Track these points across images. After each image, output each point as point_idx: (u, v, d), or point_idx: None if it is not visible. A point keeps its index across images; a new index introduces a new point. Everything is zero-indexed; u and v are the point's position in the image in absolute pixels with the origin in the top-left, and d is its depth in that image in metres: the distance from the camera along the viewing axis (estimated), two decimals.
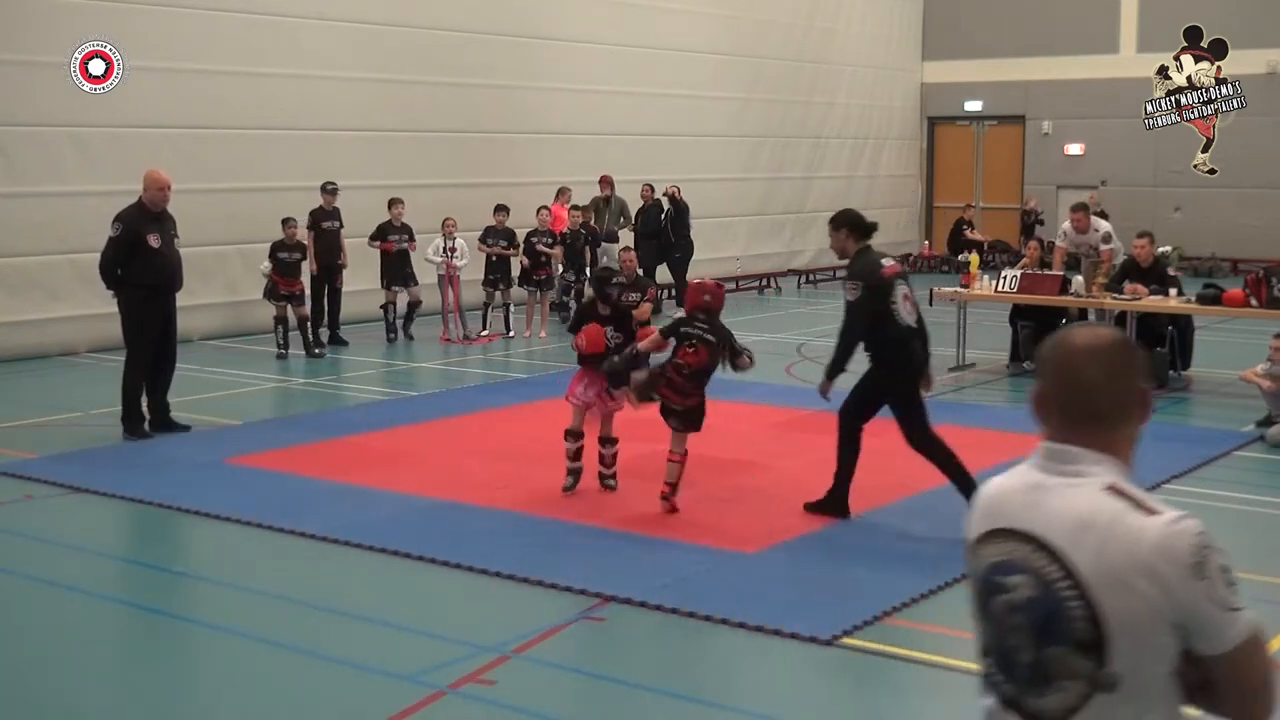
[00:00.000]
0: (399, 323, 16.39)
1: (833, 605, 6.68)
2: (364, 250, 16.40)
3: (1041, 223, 24.79)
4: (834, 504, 8.29)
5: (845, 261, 8.26)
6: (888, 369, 7.99)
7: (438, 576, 7.31)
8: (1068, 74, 27.44)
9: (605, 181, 19.28)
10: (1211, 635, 2.43)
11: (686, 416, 8.20)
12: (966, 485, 7.77)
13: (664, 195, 19.57)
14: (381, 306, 16.46)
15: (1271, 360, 10.97)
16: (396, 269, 16.30)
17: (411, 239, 16.42)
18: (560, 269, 17.28)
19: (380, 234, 16.31)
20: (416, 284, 16.45)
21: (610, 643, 6.43)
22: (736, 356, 8.17)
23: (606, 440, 8.86)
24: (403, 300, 16.43)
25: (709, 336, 8.12)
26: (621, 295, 9.05)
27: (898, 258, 10.23)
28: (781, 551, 7.62)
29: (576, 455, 8.81)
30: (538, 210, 17.23)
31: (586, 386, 8.70)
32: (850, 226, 7.95)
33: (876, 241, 8.23)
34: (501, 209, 16.84)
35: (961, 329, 14.69)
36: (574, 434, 8.78)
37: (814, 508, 8.32)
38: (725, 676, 5.98)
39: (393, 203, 16.42)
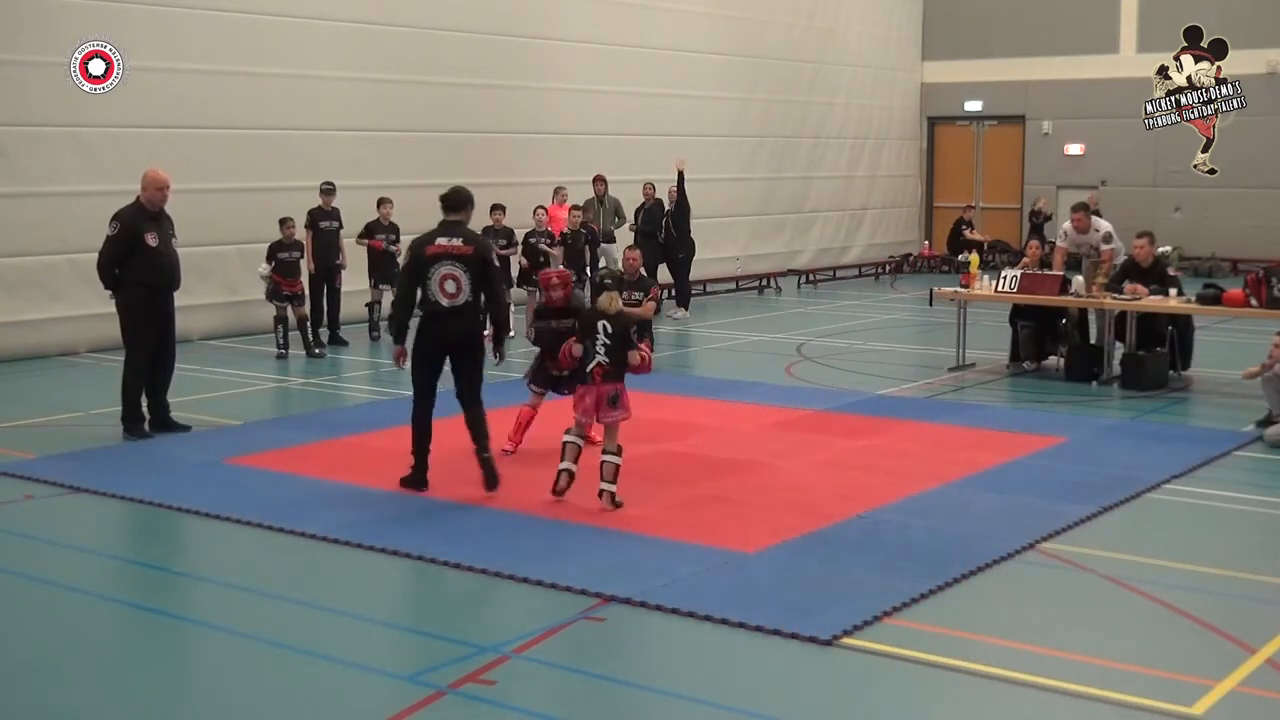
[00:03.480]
0: (380, 322, 16.41)
1: (833, 605, 6.67)
2: (363, 250, 16.40)
3: (1049, 219, 24.78)
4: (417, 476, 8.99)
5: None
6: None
7: (438, 576, 7.31)
8: (1068, 74, 27.45)
9: (599, 180, 19.30)
10: None
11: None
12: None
13: (670, 192, 19.56)
14: (366, 304, 16.48)
15: (1272, 359, 10.96)
16: (385, 268, 16.31)
17: (397, 239, 16.37)
18: (560, 269, 17.24)
19: (368, 232, 16.34)
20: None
21: (610, 643, 6.42)
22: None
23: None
24: (387, 299, 16.39)
25: None
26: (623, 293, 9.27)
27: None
28: (781, 551, 7.62)
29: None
30: (534, 210, 17.23)
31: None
32: (440, 202, 9.02)
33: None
34: (498, 208, 16.84)
35: (961, 329, 14.69)
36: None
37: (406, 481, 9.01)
38: (725, 676, 5.97)
39: (381, 202, 16.43)
